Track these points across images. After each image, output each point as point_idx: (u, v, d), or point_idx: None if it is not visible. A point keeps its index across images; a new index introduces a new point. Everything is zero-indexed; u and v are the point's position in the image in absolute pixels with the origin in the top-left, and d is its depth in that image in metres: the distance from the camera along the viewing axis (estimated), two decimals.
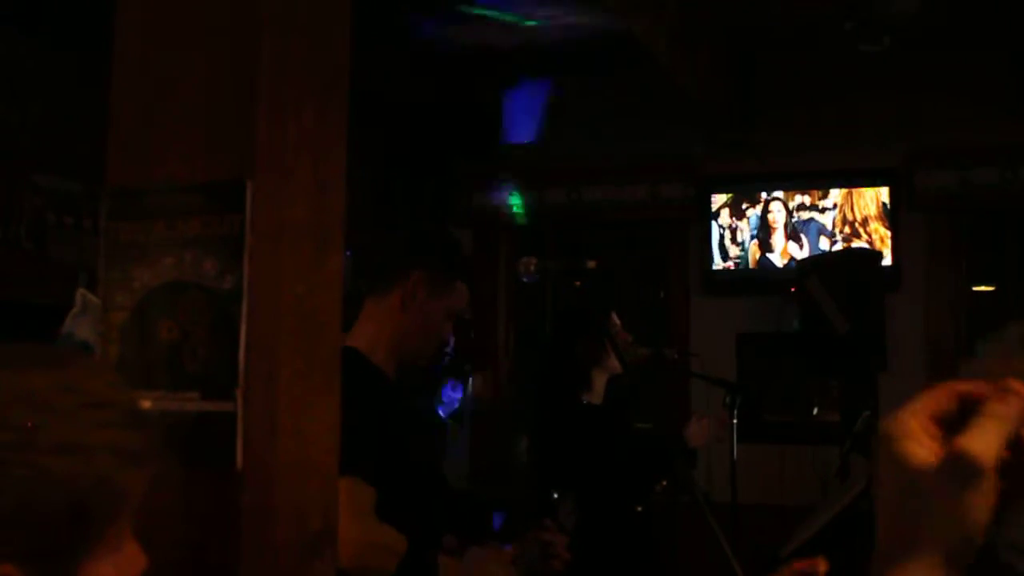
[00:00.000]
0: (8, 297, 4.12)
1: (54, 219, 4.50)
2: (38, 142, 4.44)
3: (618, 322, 3.81)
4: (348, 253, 1.82)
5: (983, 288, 6.04)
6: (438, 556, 2.38)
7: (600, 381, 3.76)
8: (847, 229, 5.91)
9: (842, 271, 5.46)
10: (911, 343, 5.69)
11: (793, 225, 6.02)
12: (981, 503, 0.77)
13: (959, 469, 0.78)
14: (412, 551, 2.27)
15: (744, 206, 6.10)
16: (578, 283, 2.63)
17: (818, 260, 5.72)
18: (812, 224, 5.99)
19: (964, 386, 0.83)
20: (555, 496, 3.05)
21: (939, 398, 0.83)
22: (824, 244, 5.94)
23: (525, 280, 2.81)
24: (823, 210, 5.98)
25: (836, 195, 5.96)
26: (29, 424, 1.01)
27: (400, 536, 2.27)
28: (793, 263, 5.82)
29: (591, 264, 2.65)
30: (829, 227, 5.96)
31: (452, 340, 2.61)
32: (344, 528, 2.18)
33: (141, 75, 1.70)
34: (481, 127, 6.44)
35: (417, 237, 2.62)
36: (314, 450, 1.66)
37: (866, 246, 5.84)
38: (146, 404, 1.41)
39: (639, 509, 3.70)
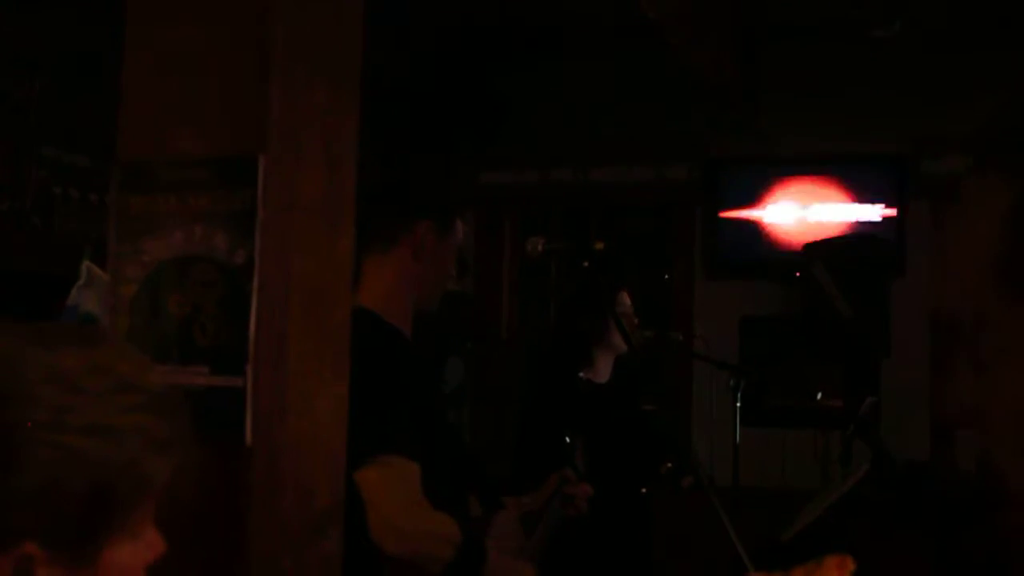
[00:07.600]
0: (14, 269, 4.12)
1: (60, 192, 4.50)
2: (45, 115, 4.43)
3: (628, 301, 3.79)
4: None
5: None
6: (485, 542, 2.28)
7: (603, 359, 3.74)
8: (853, 214, 5.90)
9: (848, 256, 5.45)
10: (915, 329, 5.68)
11: (799, 209, 5.99)
12: None
13: None
14: (467, 540, 2.17)
15: (749, 189, 6.08)
16: (585, 263, 2.60)
17: (825, 245, 5.70)
18: (818, 208, 5.97)
19: None
20: (567, 440, 2.96)
21: None
22: (831, 229, 5.92)
23: (532, 260, 2.80)
24: (830, 194, 5.96)
25: (842, 179, 5.94)
26: (60, 404, 1.00)
27: (454, 523, 2.17)
28: (799, 247, 5.79)
29: (599, 245, 2.64)
30: (836, 212, 5.94)
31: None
32: (396, 515, 2.04)
33: (154, 49, 1.69)
34: (488, 107, 6.42)
35: (416, 189, 2.48)
36: (322, 427, 1.66)
37: (873, 231, 5.82)
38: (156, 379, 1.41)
39: (644, 491, 3.70)
